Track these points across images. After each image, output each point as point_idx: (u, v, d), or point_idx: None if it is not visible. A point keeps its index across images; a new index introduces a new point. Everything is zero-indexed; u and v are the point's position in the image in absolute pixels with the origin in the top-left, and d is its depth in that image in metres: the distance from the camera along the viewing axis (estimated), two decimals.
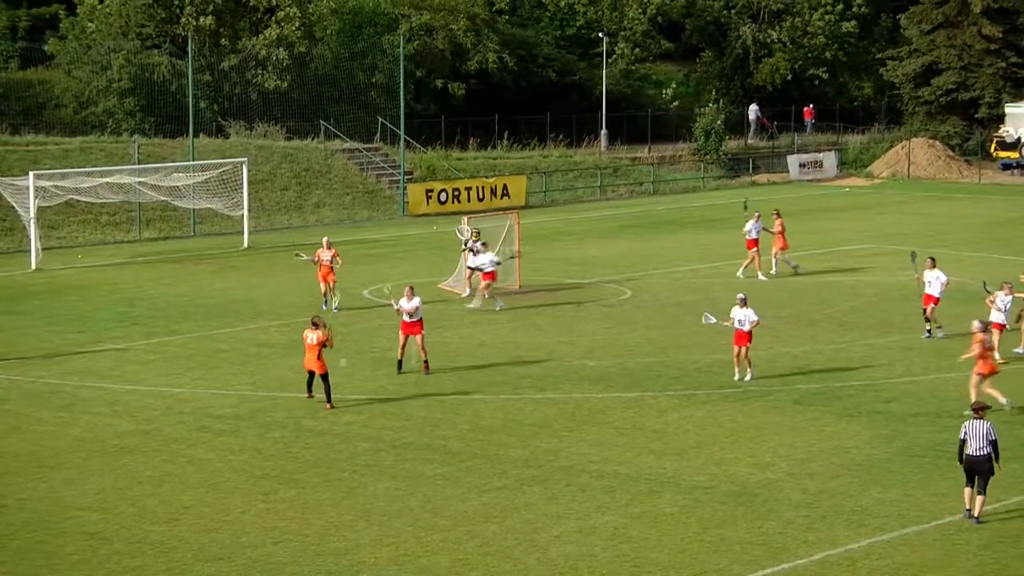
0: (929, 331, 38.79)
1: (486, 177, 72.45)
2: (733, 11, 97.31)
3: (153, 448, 28.80)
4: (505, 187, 71.54)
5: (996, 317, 35.44)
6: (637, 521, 24.20)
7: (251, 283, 48.97)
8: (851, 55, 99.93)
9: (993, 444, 24.46)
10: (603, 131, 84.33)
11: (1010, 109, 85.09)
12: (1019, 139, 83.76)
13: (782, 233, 49.43)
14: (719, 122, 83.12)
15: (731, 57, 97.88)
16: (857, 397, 32.50)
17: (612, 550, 22.88)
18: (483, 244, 44.62)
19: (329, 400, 31.51)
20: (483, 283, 42.79)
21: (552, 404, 32.06)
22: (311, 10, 78.90)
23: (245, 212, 58.81)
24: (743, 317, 34.04)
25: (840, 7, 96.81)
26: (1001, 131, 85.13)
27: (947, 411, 31.04)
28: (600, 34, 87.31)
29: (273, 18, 76.36)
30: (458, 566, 22.28)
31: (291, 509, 24.93)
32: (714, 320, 35.18)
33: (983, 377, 30.68)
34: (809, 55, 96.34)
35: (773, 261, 49.50)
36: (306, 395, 32.20)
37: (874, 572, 21.98)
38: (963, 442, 24.78)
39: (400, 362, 34.83)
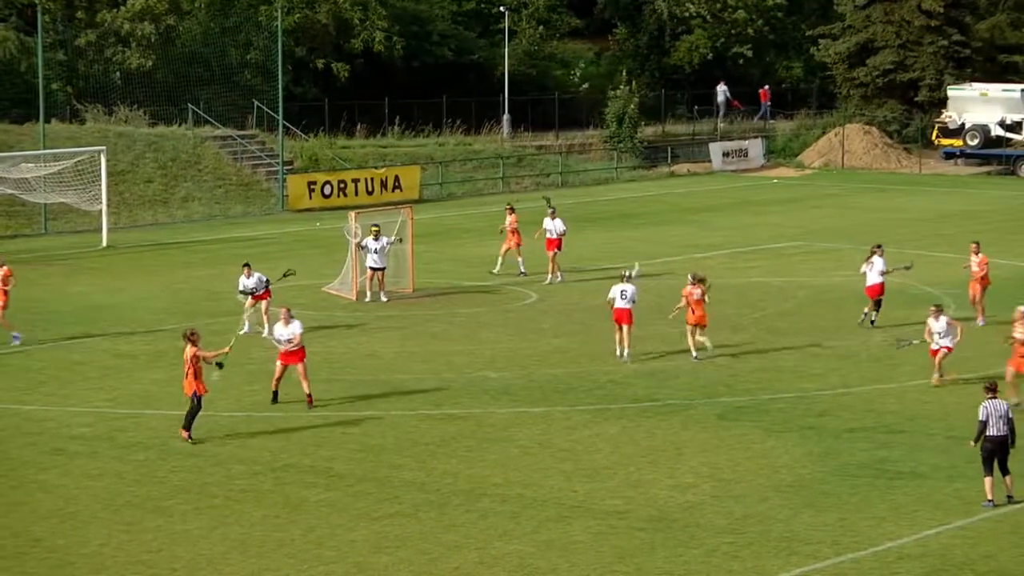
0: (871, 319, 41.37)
1: (375, 168, 72.35)
2: None
3: None
4: (397, 179, 71.46)
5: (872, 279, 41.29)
6: (545, 550, 24.23)
7: (111, 287, 48.59)
8: (778, 32, 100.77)
9: (1011, 422, 26.04)
10: (505, 116, 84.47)
11: (953, 92, 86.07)
12: (963, 125, 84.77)
13: (515, 230, 49.69)
14: (632, 106, 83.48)
15: (646, 34, 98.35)
16: (787, 411, 32.74)
17: None
18: (377, 240, 44.67)
19: (186, 427, 30.53)
20: (262, 304, 40.37)
21: (450, 421, 32.05)
22: None
23: (104, 207, 58.35)
24: (623, 290, 37.39)
25: None
26: (944, 116, 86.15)
27: (886, 426, 31.39)
28: (501, 8, 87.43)
29: None
30: None
31: (156, 540, 24.73)
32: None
33: (693, 327, 37.28)
34: (732, 31, 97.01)
35: (499, 260, 50.15)
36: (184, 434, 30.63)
37: None
38: (984, 424, 26.00)
39: (275, 393, 33.52)
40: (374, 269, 45.16)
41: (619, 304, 37.50)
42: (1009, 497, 26.16)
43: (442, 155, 78.30)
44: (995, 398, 26.29)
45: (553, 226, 48.90)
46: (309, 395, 33.23)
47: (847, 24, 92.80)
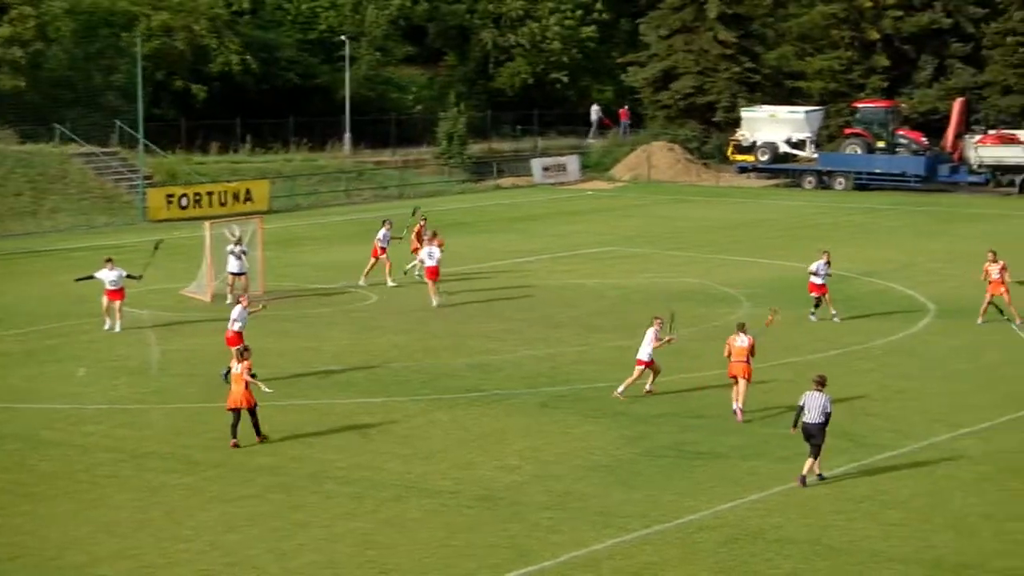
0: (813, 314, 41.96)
1: (228, 182, 71.69)
2: (475, 15, 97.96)
3: None
4: (248, 191, 70.83)
5: None
6: (384, 527, 24.21)
7: None
8: (592, 59, 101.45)
9: (827, 416, 26.28)
10: (347, 135, 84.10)
11: (746, 113, 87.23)
12: (755, 143, 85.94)
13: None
14: (459, 125, 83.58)
15: (473, 61, 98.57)
16: (602, 399, 32.92)
17: (358, 557, 22.85)
18: (242, 251, 44.38)
19: (259, 433, 29.16)
20: (116, 303, 40.26)
21: (298, 411, 31.85)
22: (44, 10, 77.00)
23: None
24: (431, 252, 44.00)
25: (580, 12, 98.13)
26: (738, 135, 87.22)
27: (689, 411, 31.71)
28: (342, 37, 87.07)
29: (5, 16, 74.40)
30: None
31: (28, 523, 24.31)
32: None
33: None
34: (549, 59, 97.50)
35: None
36: (230, 442, 28.88)
37: (618, 572, 22.33)
38: (800, 409, 26.41)
39: (228, 371, 31.70)
40: (235, 274, 44.74)
41: (428, 263, 44.15)
42: (803, 479, 26.45)
43: (290, 170, 77.72)
44: (820, 391, 26.43)
45: (384, 236, 48.61)
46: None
47: (652, 52, 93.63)
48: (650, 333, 32.65)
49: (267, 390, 30.04)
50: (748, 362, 30.92)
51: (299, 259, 54.76)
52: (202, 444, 29.19)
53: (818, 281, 41.78)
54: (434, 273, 44.38)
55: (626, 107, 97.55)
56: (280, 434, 29.82)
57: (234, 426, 29.01)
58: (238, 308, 34.97)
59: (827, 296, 41.71)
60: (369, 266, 48.24)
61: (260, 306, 37.20)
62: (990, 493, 26.20)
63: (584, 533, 23.93)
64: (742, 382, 30.94)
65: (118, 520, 24.51)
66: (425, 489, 26.28)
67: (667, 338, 32.86)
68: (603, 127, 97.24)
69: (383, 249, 48.08)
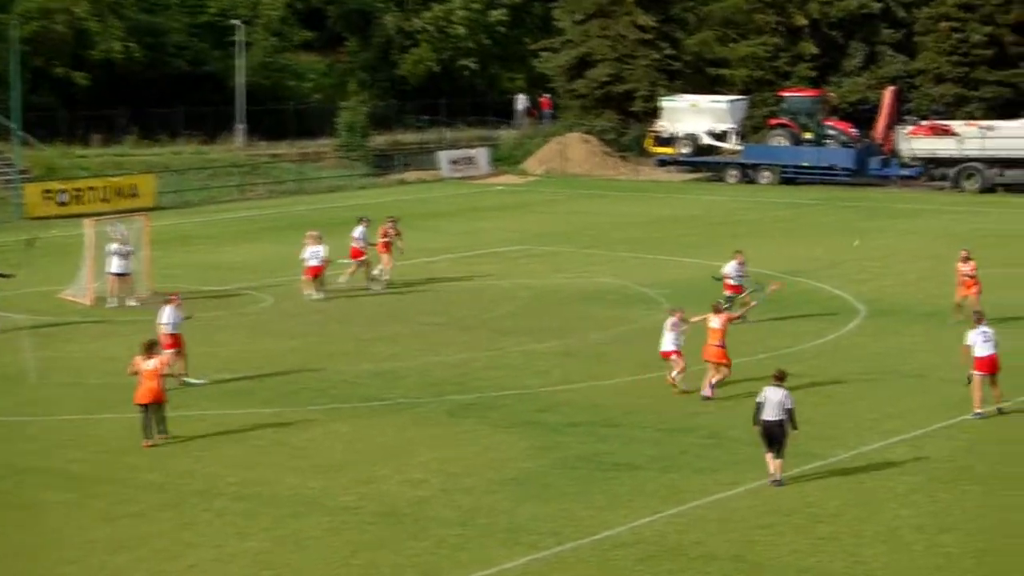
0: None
1: (111, 176, 71.15)
2: None
3: None
4: (133, 187, 70.40)
5: None
6: (280, 546, 24.14)
7: None
8: (501, 45, 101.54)
9: (788, 412, 26.97)
10: (239, 126, 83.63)
11: (666, 103, 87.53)
12: (675, 134, 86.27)
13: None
14: (361, 115, 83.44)
15: (375, 47, 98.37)
16: (513, 407, 33.03)
17: None
18: (128, 250, 44.25)
19: (164, 431, 30.15)
20: None
21: (187, 422, 31.64)
22: None
23: None
24: (315, 251, 45.89)
25: None
26: (657, 126, 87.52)
27: (604, 420, 31.84)
28: (235, 21, 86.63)
29: None
30: None
31: None
32: None
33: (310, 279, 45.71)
34: (456, 46, 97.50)
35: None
36: (144, 442, 29.87)
37: None
38: (759, 406, 27.07)
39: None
40: (118, 275, 44.47)
41: (311, 263, 45.83)
42: (777, 480, 27.06)
43: (178, 164, 77.22)
44: (779, 386, 27.19)
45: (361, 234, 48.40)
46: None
47: (566, 38, 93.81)
48: (668, 324, 34.02)
49: (198, 381, 32.17)
50: (721, 345, 33.18)
51: (189, 259, 54.47)
52: (84, 458, 29.00)
53: (732, 282, 42.30)
54: (316, 272, 45.91)
55: (548, 96, 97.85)
56: (167, 448, 29.69)
57: (146, 426, 29.82)
58: (169, 309, 34.94)
59: (745, 296, 41.97)
60: (352, 268, 47.83)
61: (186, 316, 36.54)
62: (922, 504, 26.52)
63: (493, 551, 23.97)
64: (711, 367, 33.14)
65: None
66: (324, 505, 26.24)
67: (693, 320, 34.30)
68: (530, 116, 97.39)
69: (363, 250, 47.93)
